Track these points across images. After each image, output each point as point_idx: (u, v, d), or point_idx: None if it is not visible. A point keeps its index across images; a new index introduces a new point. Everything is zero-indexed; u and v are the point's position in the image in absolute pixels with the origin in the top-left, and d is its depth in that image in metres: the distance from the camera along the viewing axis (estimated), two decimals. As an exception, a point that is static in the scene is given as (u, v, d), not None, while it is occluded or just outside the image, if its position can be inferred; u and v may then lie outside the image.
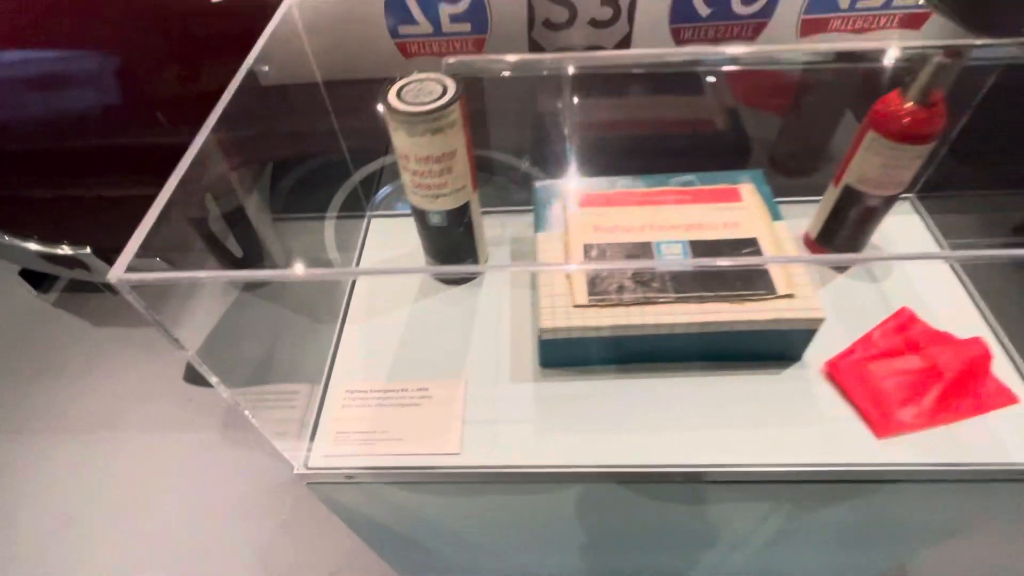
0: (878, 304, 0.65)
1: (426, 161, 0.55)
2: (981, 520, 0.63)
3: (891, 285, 0.66)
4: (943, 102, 0.53)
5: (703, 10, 0.75)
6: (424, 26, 0.77)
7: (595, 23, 0.76)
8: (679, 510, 0.63)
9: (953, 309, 0.64)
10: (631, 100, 0.80)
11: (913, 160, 0.56)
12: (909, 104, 0.53)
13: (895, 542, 0.70)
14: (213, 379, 0.47)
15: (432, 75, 0.55)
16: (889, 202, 0.61)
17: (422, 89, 0.54)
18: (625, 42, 0.79)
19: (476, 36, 0.79)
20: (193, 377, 1.42)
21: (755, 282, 0.57)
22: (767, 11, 0.75)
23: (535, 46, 0.80)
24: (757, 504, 0.61)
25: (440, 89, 0.53)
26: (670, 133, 0.83)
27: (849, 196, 0.62)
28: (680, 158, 0.72)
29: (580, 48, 0.80)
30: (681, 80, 0.80)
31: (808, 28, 0.76)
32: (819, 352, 0.60)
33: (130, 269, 0.38)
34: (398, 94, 0.54)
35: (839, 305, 0.65)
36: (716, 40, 0.78)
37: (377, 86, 0.54)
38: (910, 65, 0.53)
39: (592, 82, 0.77)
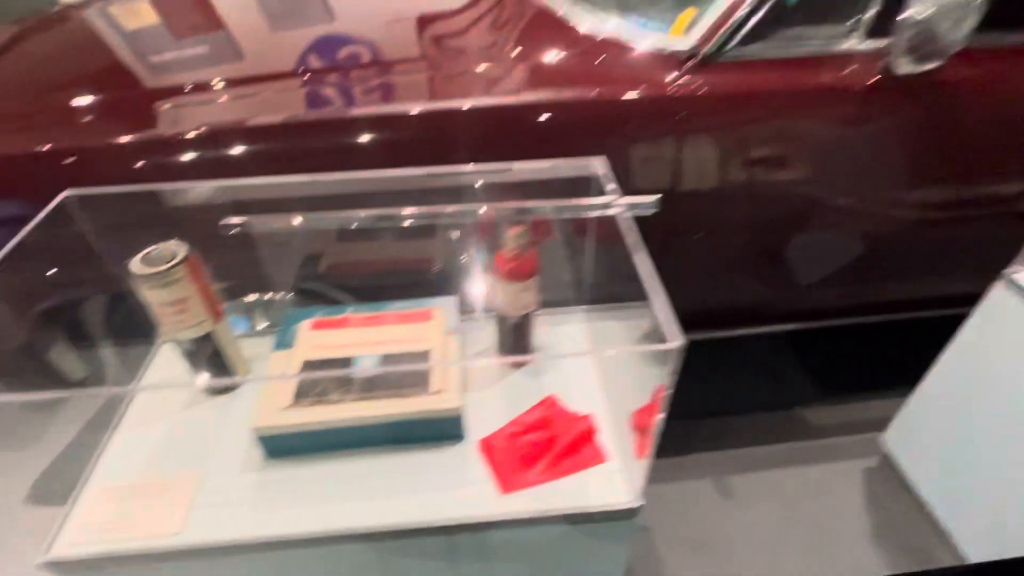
0: (537, 393, 0.87)
1: (162, 306, 0.74)
2: (592, 555, 0.82)
3: (550, 378, 0.89)
4: (530, 252, 0.79)
5: None
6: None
7: None
8: (367, 566, 0.78)
9: (589, 396, 0.87)
10: (374, 243, 1.04)
11: (524, 291, 0.81)
12: (507, 256, 0.79)
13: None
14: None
15: (172, 243, 0.76)
16: (527, 318, 0.85)
17: (161, 254, 0.74)
18: None
19: None
20: (36, 498, 1.45)
21: (417, 382, 0.78)
22: None
23: None
24: (433, 555, 0.78)
25: (173, 254, 0.74)
26: (402, 268, 1.07)
27: (501, 317, 0.86)
28: (408, 288, 0.94)
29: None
30: (412, 229, 1.03)
31: None
32: (483, 430, 0.81)
33: None
34: (144, 257, 0.74)
35: (508, 394, 0.86)
36: None
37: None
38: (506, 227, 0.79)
39: (345, 232, 1.01)
